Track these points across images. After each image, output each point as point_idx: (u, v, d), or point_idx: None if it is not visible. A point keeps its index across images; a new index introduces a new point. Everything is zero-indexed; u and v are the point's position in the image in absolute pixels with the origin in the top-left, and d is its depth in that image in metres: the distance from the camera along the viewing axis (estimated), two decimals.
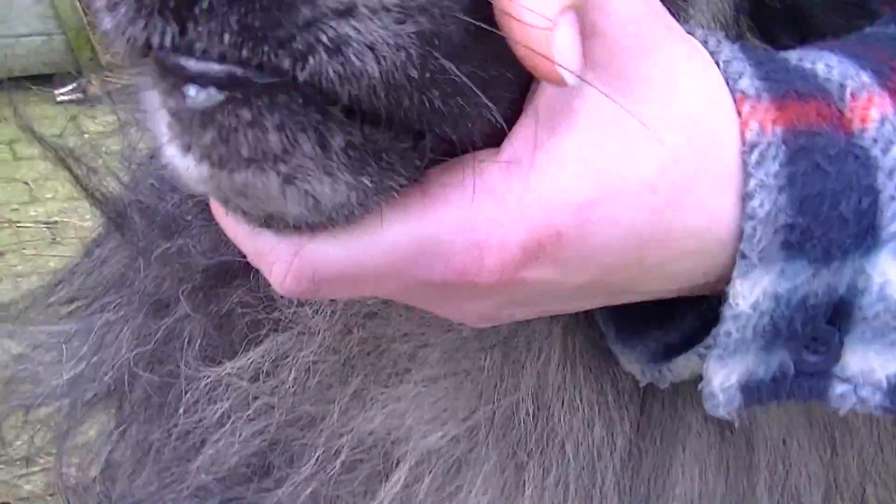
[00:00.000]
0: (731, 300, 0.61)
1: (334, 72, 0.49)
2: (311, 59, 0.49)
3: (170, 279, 0.88)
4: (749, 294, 0.61)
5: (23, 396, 1.04)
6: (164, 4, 0.49)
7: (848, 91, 0.63)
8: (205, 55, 0.50)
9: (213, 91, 0.51)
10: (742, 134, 0.60)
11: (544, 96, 0.57)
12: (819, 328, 0.64)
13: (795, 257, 0.61)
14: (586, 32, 0.55)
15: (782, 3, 0.81)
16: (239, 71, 0.51)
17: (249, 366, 0.82)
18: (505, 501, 0.79)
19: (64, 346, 1.01)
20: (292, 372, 0.81)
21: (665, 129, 0.58)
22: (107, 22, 0.52)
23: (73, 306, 1.06)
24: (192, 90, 0.51)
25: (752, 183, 0.60)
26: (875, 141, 0.62)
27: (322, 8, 0.49)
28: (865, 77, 0.64)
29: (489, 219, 0.56)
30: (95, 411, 1.00)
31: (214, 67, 0.51)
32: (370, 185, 0.55)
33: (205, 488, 0.86)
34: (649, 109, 0.58)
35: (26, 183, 4.06)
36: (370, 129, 0.54)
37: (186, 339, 0.86)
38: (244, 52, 0.49)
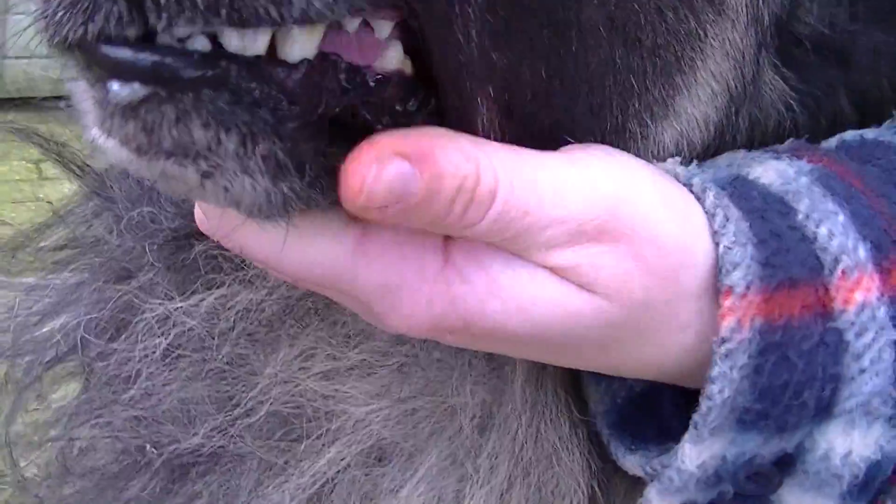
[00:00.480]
0: (678, 457, 0.64)
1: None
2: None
3: (138, 243, 0.85)
4: (696, 458, 0.64)
5: None
6: None
7: (840, 267, 0.63)
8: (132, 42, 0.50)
9: (136, 86, 0.51)
10: (719, 319, 0.62)
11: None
12: (762, 471, 0.67)
13: (748, 431, 0.64)
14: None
15: (812, 33, 0.79)
16: (168, 59, 0.51)
17: (200, 304, 0.80)
18: None
19: (24, 300, 0.97)
20: (241, 318, 0.79)
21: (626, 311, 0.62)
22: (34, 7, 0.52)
23: (56, 256, 1.00)
24: (115, 85, 0.51)
25: (715, 371, 0.62)
26: (852, 324, 0.63)
27: None
28: (862, 252, 0.63)
29: (412, 292, 0.60)
30: (53, 374, 0.95)
31: (141, 57, 0.50)
32: (290, 193, 0.55)
33: (135, 419, 0.83)
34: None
35: (50, 203, 4.14)
36: (297, 137, 0.54)
37: (147, 291, 0.83)
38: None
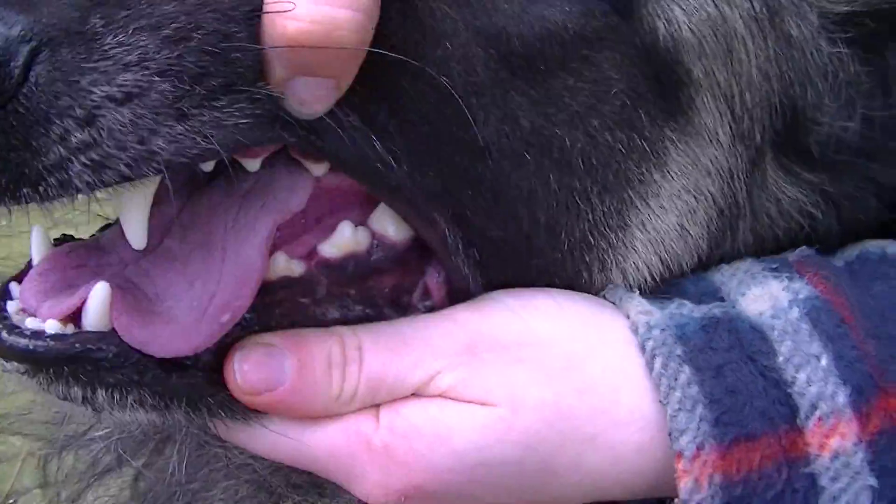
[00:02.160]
0: None
1: None
2: None
3: None
4: None
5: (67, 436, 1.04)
6: None
7: (817, 414, 0.67)
8: None
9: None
10: (677, 481, 0.66)
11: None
12: None
13: None
14: None
15: (832, 133, 0.81)
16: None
17: None
18: None
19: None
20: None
21: (522, 418, 0.68)
22: None
23: None
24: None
25: None
26: (826, 469, 0.66)
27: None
28: (841, 398, 0.67)
29: (364, 462, 0.68)
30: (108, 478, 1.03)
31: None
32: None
33: None
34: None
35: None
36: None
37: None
38: None
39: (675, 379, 0.67)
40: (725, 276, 0.77)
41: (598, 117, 0.71)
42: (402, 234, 0.72)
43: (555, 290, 0.73)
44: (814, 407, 0.67)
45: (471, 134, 0.66)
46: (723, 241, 0.79)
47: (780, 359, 0.68)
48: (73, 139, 0.57)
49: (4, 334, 0.67)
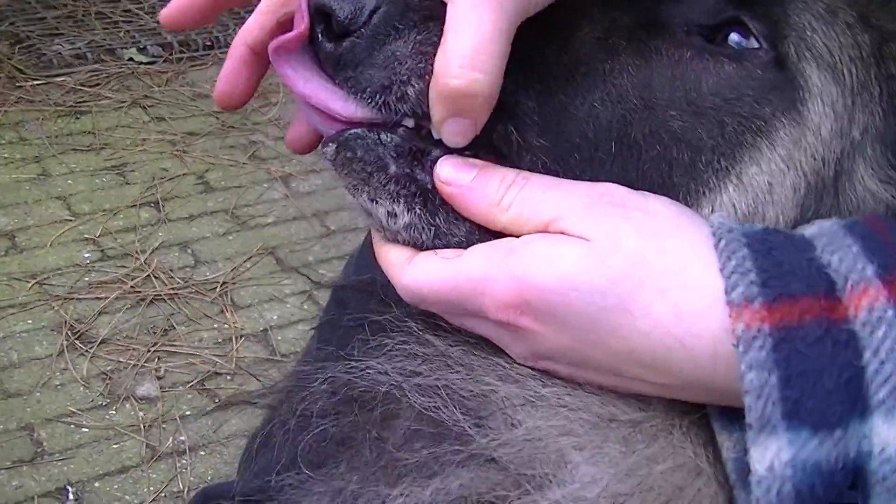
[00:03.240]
0: (751, 467, 0.74)
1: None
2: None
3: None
4: (763, 458, 0.73)
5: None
6: None
7: (849, 283, 0.77)
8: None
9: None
10: (732, 331, 0.77)
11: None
12: (842, 493, 0.74)
13: (797, 427, 0.73)
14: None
15: None
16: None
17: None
18: None
19: None
20: None
21: (614, 256, 0.82)
22: None
23: None
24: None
25: (742, 367, 0.75)
26: (864, 325, 0.75)
27: None
28: (869, 270, 0.77)
29: (491, 277, 0.86)
30: None
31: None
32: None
33: None
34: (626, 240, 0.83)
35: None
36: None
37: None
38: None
39: (734, 252, 0.80)
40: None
41: (736, 92, 0.92)
42: None
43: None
44: (846, 279, 0.77)
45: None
46: (808, 211, 0.94)
47: (818, 250, 0.81)
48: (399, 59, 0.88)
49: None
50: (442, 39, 0.84)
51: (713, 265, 0.81)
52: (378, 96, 0.88)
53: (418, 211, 0.91)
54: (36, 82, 4.97)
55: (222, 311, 3.74)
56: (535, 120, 0.92)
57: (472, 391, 0.91)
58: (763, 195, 0.93)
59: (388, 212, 0.92)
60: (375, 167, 0.91)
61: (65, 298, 3.70)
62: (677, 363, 0.82)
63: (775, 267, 0.79)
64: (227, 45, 5.88)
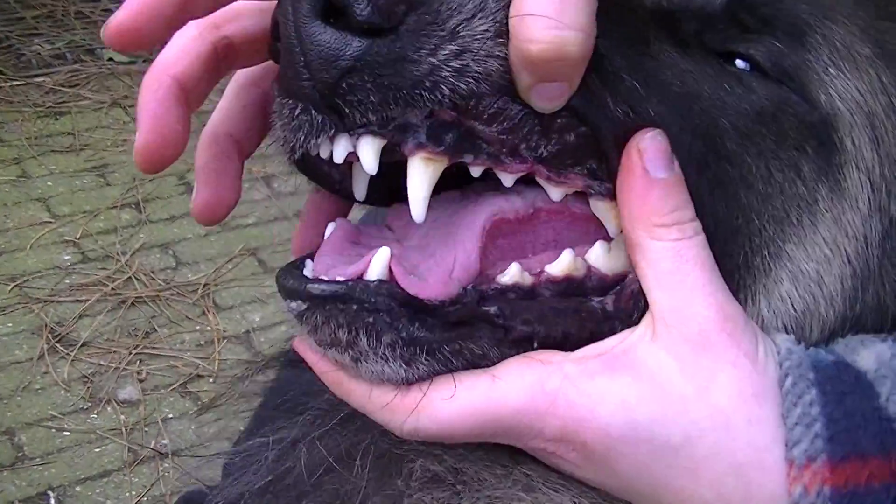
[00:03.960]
0: None
1: None
2: None
3: None
4: None
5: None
6: None
7: None
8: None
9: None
10: (789, 488, 0.72)
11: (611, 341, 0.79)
12: None
13: None
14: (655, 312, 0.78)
15: None
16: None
17: None
18: None
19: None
20: None
21: (699, 409, 0.74)
22: None
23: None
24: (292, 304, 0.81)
25: None
26: None
27: None
28: None
29: (543, 411, 0.76)
30: None
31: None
32: (421, 371, 0.79)
33: None
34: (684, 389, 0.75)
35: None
36: (419, 328, 0.78)
37: None
38: None
39: (800, 397, 0.74)
40: (840, 347, 0.84)
41: (776, 159, 0.84)
42: (612, 268, 0.83)
43: None
44: None
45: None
46: (855, 303, 0.87)
47: (882, 398, 0.75)
48: (442, 51, 0.74)
49: (291, 280, 0.81)
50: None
51: (769, 419, 0.75)
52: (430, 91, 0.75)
53: (424, 366, 0.79)
54: (15, 83, 4.93)
55: (204, 313, 3.71)
56: (639, 93, 0.81)
57: None
58: (814, 287, 0.86)
59: (382, 371, 0.80)
60: (365, 333, 0.79)
61: (45, 301, 3.68)
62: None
63: (846, 417, 0.73)
64: None
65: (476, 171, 0.80)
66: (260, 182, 4.48)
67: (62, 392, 3.32)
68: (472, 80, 0.75)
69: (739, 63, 0.87)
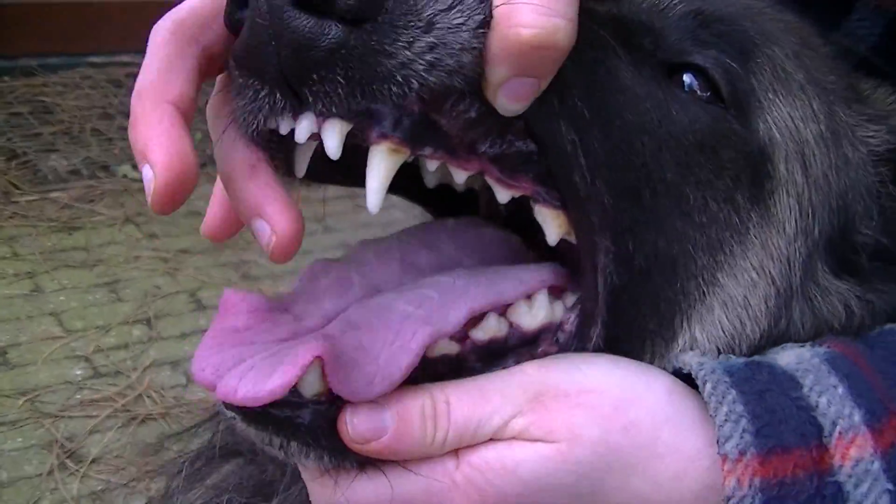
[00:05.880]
0: None
1: None
2: None
3: None
4: None
5: None
6: None
7: (837, 429, 0.78)
8: None
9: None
10: (723, 481, 0.77)
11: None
12: None
13: None
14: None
15: (870, 244, 0.99)
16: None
17: None
18: None
19: None
20: None
21: (577, 450, 0.80)
22: None
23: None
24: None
25: None
26: (849, 476, 0.77)
27: None
28: (857, 417, 0.78)
29: (448, 492, 0.81)
30: None
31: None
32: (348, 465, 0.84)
33: None
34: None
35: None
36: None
37: None
38: None
39: (724, 397, 0.79)
40: (759, 357, 0.90)
41: (712, 189, 0.89)
42: (533, 325, 0.88)
43: (606, 354, 0.86)
44: (834, 424, 0.78)
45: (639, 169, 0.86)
46: (779, 320, 0.93)
47: (805, 389, 0.80)
48: (417, 44, 0.72)
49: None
50: None
51: (683, 423, 0.81)
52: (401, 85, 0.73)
53: (349, 464, 0.84)
54: (30, 198, 5.03)
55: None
56: (589, 122, 0.82)
57: None
58: (741, 311, 0.91)
59: (311, 461, 0.85)
60: (297, 445, 0.83)
61: (56, 416, 3.68)
62: None
63: (768, 413, 0.78)
64: None
65: (432, 166, 0.82)
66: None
67: None
68: (444, 74, 0.74)
69: (686, 78, 0.90)
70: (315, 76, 0.72)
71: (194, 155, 0.76)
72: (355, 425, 0.79)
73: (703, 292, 0.89)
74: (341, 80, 0.72)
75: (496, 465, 0.80)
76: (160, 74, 0.78)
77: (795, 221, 0.93)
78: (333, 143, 0.76)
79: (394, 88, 0.73)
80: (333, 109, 0.74)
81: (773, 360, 0.86)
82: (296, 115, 0.76)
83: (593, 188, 0.82)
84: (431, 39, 0.72)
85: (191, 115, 0.79)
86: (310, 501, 0.94)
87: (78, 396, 3.80)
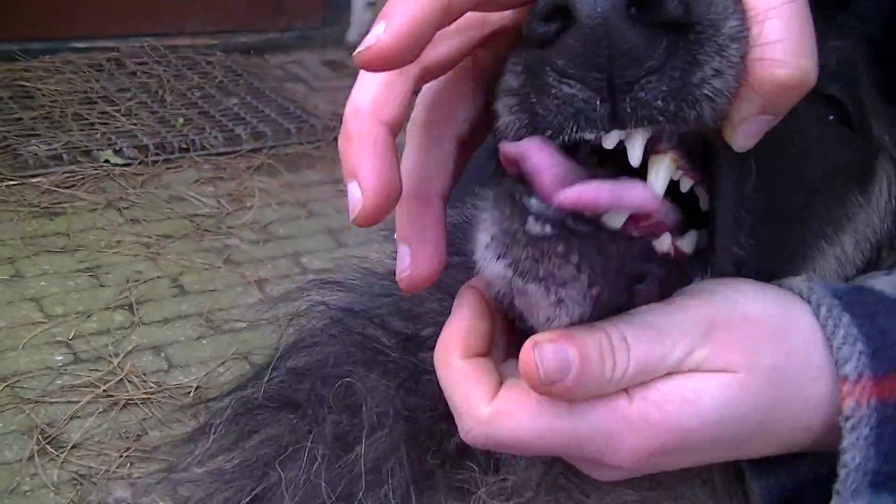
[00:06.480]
0: None
1: None
2: None
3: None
4: None
5: None
6: None
7: None
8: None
9: (548, 227, 0.74)
10: (841, 402, 0.80)
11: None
12: None
13: (881, 492, 0.80)
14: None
15: None
16: (569, 220, 0.74)
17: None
18: None
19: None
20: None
21: (754, 379, 0.79)
22: None
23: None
24: (531, 222, 0.75)
25: (846, 442, 0.79)
26: None
27: None
28: None
29: (620, 430, 0.78)
30: None
31: (551, 211, 0.74)
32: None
33: None
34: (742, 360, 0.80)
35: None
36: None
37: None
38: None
39: (840, 319, 0.81)
40: (858, 280, 0.99)
41: (843, 174, 1.02)
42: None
43: (746, 279, 0.87)
44: None
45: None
46: (872, 266, 1.04)
47: None
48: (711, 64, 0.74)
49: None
50: (754, 27, 0.74)
51: (823, 344, 0.82)
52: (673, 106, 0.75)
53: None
54: (11, 182, 5.01)
55: (195, 417, 3.73)
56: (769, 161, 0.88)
57: None
58: (849, 259, 1.02)
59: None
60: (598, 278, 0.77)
61: (36, 402, 3.69)
62: (798, 442, 0.85)
63: (881, 335, 0.81)
64: (203, 148, 5.86)
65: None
66: (252, 286, 4.55)
67: (51, 495, 3.32)
68: (725, 99, 0.75)
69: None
70: (639, 85, 0.74)
71: (398, 176, 0.79)
72: (545, 363, 0.75)
73: (824, 245, 0.99)
74: (664, 90, 0.74)
75: (676, 397, 0.78)
76: (380, 91, 0.79)
77: (885, 204, 1.06)
78: (639, 152, 0.78)
79: (694, 109, 0.75)
80: (645, 116, 0.75)
81: (871, 286, 0.90)
82: (611, 124, 0.77)
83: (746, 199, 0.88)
84: (719, 64, 0.74)
85: (398, 133, 0.80)
86: (391, 452, 0.96)
87: (58, 382, 3.81)
